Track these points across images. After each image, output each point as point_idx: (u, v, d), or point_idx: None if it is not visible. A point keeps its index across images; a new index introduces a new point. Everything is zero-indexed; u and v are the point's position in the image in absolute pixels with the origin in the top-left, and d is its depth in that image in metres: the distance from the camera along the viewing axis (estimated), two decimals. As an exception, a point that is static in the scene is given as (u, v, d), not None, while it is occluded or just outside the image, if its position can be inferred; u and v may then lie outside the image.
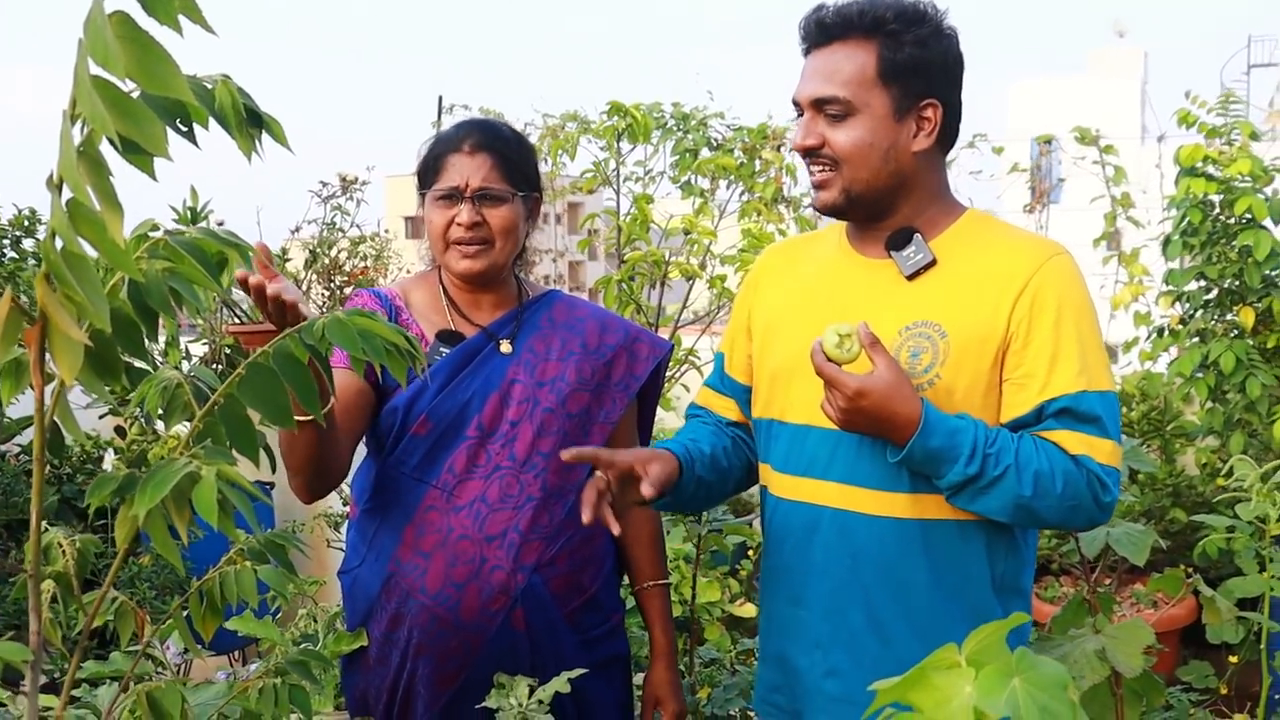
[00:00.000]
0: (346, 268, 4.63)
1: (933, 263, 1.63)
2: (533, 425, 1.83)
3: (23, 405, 3.30)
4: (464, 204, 1.80)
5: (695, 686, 2.46)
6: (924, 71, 1.61)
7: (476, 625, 1.78)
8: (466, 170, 1.80)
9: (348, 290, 4.44)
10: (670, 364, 3.87)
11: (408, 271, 5.07)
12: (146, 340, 1.13)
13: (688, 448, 1.76)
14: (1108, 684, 2.00)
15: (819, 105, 1.62)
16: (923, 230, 1.65)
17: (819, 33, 1.64)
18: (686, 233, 3.75)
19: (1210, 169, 3.40)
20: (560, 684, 1.57)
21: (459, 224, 1.80)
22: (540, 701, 1.57)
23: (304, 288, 4.48)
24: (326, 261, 4.50)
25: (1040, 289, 1.58)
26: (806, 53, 1.68)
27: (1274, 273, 3.42)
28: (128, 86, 0.91)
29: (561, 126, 4.28)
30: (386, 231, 5.09)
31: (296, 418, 1.57)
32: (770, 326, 1.79)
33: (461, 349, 1.84)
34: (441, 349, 1.84)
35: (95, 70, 0.88)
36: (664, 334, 3.73)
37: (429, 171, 1.84)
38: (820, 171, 1.65)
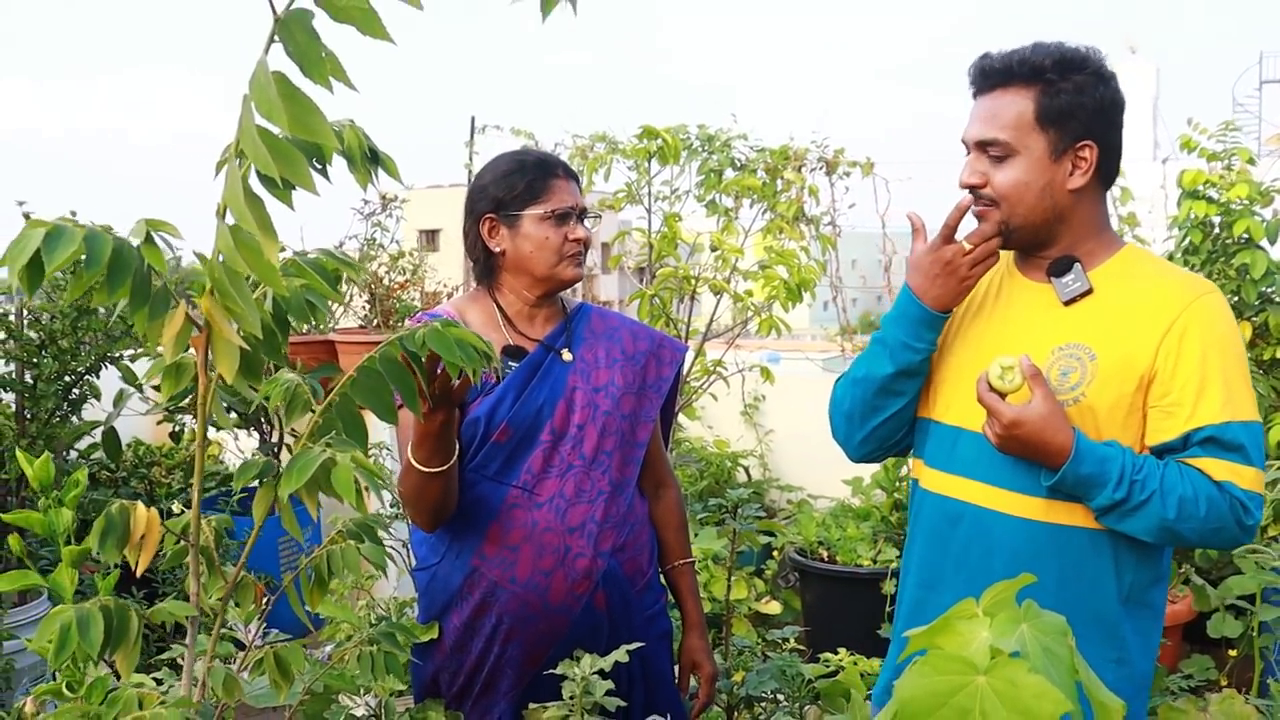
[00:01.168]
0: (386, 281, 4.81)
1: (1089, 291, 1.74)
2: (596, 427, 2.02)
3: (89, 412, 3.49)
4: (576, 222, 2.03)
5: (730, 671, 2.63)
6: (1080, 115, 1.71)
7: (564, 608, 1.96)
8: (572, 193, 2.04)
9: (388, 303, 4.62)
10: (698, 374, 4.08)
11: (441, 285, 5.26)
12: (283, 350, 1.31)
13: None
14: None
15: (983, 146, 1.75)
16: (1082, 260, 1.77)
17: (983, 79, 1.77)
18: (714, 249, 3.93)
19: (1211, 192, 3.57)
20: (621, 655, 1.74)
21: (574, 239, 2.02)
22: (601, 671, 1.75)
23: (347, 299, 4.67)
24: (368, 275, 4.69)
25: (1190, 324, 1.67)
26: (975, 95, 1.80)
27: (1271, 289, 3.59)
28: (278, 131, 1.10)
29: (591, 147, 4.46)
30: (418, 248, 5.28)
31: (429, 470, 1.80)
32: (942, 335, 1.90)
33: (528, 362, 2.02)
34: (510, 363, 2.02)
35: (261, 120, 1.07)
36: (692, 345, 3.92)
37: (529, 194, 2.01)
38: (982, 206, 1.78)
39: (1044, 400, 1.63)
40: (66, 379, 3.26)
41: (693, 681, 2.21)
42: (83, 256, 1.06)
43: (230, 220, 1.12)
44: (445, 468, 1.82)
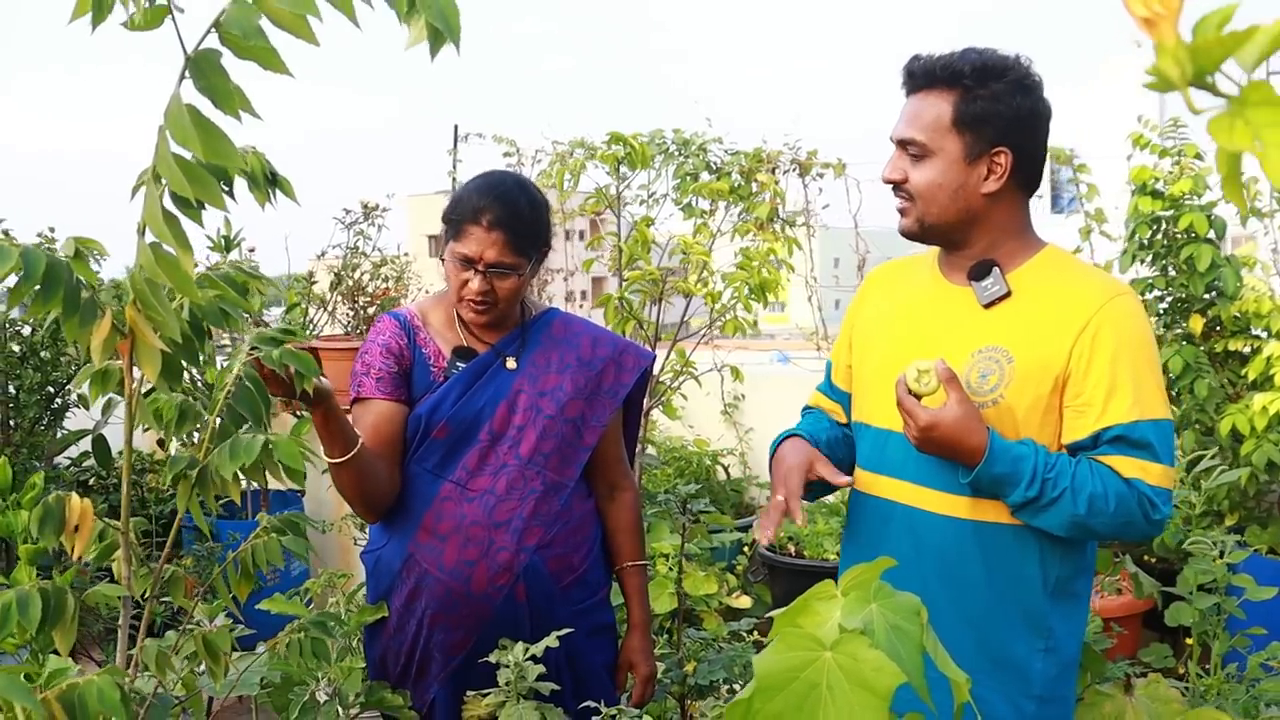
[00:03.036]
0: (370, 289, 4.90)
1: (1007, 294, 1.81)
2: (535, 430, 2.10)
3: (76, 420, 3.60)
4: (476, 275, 2.05)
5: (683, 661, 2.72)
6: (995, 122, 1.76)
7: (484, 597, 2.05)
8: (483, 244, 2.03)
9: (371, 310, 4.72)
10: (672, 374, 4.16)
11: (427, 291, 5.34)
12: (200, 354, 1.41)
13: (813, 434, 2.00)
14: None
15: (903, 145, 1.83)
16: (1002, 263, 1.83)
17: (910, 80, 1.85)
18: (685, 253, 4.01)
19: (1159, 186, 3.65)
20: (551, 641, 1.83)
21: (471, 290, 2.06)
22: (534, 658, 1.84)
23: (330, 308, 4.76)
24: (350, 283, 4.78)
25: (1102, 325, 1.72)
26: (906, 95, 1.87)
27: (1218, 282, 3.66)
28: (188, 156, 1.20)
29: (570, 153, 4.55)
30: (406, 254, 5.36)
31: (332, 460, 1.92)
32: (866, 339, 2.00)
33: (473, 365, 2.11)
34: (458, 364, 2.11)
35: (176, 148, 1.16)
36: (663, 347, 4.00)
37: (451, 228, 2.09)
38: (901, 202, 1.86)
39: (959, 403, 1.70)
40: (48, 389, 3.36)
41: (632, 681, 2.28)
42: (19, 271, 1.16)
43: (150, 238, 1.22)
44: (346, 458, 1.94)
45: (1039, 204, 4.83)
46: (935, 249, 1.95)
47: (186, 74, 1.15)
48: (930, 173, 1.80)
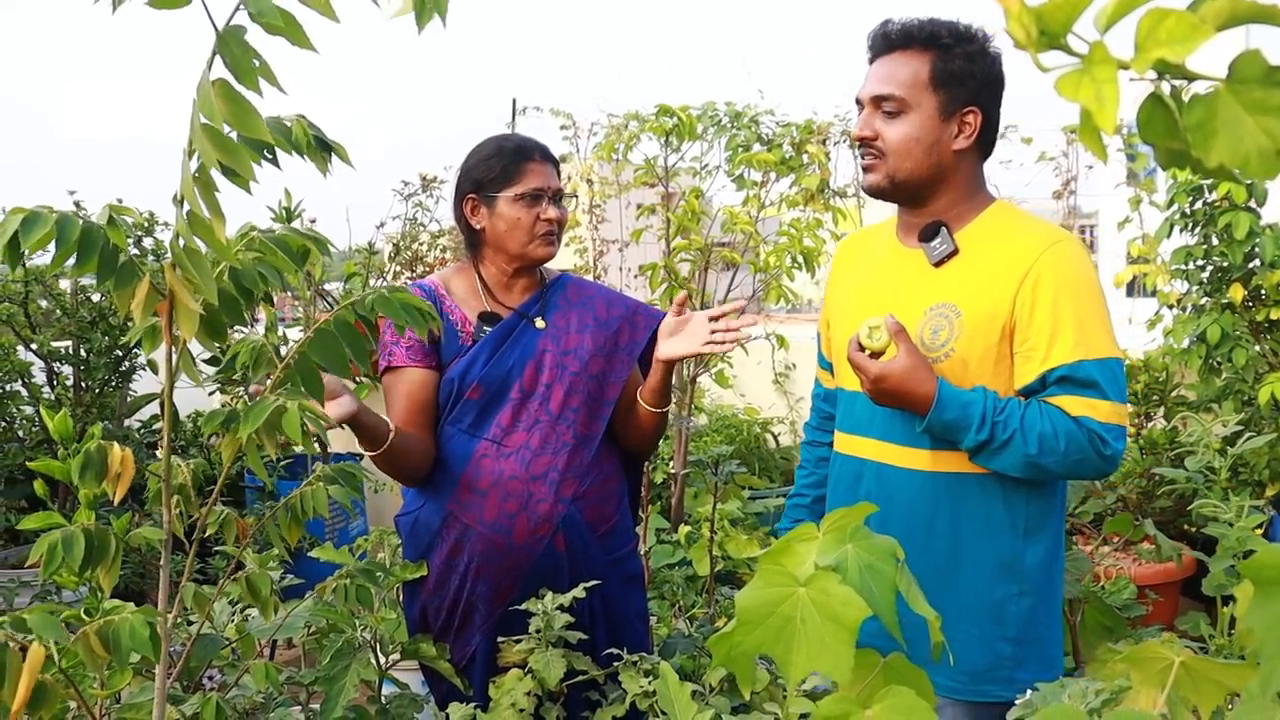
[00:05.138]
0: (428, 259, 5.03)
1: (954, 252, 1.89)
2: (563, 386, 2.20)
3: (143, 384, 3.77)
4: (549, 205, 2.18)
5: (715, 618, 2.80)
6: (969, 82, 1.85)
7: (526, 547, 2.15)
8: (545, 175, 2.19)
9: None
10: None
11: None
12: (245, 314, 1.50)
13: (814, 511, 2.21)
14: (1063, 613, 2.29)
15: (877, 102, 1.89)
16: (952, 223, 1.91)
17: (884, 43, 1.91)
18: (735, 223, 4.07)
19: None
20: (578, 591, 1.93)
21: (547, 219, 2.18)
22: (561, 607, 1.94)
23: (389, 277, 4.90)
24: (409, 254, 4.91)
25: (1042, 272, 1.79)
26: (872, 60, 1.94)
27: (1257, 250, 3.63)
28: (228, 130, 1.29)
29: (625, 125, 4.62)
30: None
31: (369, 453, 2.07)
32: (838, 309, 2.10)
33: (501, 327, 2.21)
34: (484, 328, 2.21)
35: (204, 120, 1.26)
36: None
37: (500, 179, 2.19)
38: (870, 159, 1.92)
39: (908, 355, 1.79)
40: (116, 352, 3.52)
41: None
42: (55, 237, 1.27)
43: (185, 206, 1.32)
44: (379, 451, 2.07)
45: (1101, 172, 4.83)
46: (893, 220, 2.03)
47: (217, 52, 1.24)
48: (906, 128, 1.87)
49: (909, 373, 1.78)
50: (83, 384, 3.51)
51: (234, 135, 1.30)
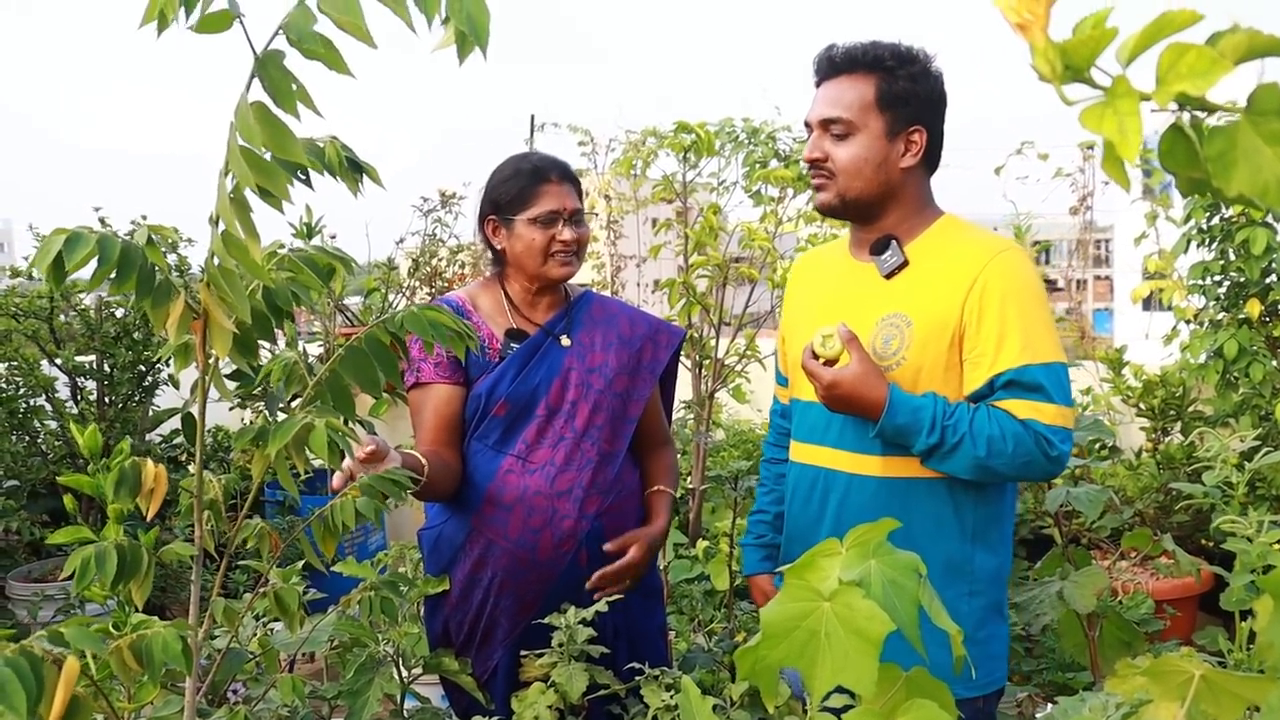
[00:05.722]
0: (447, 274, 5.07)
1: (904, 264, 1.96)
2: (588, 404, 2.22)
3: (165, 399, 3.80)
4: (565, 226, 2.20)
5: (734, 632, 2.81)
6: (913, 102, 1.94)
7: (550, 563, 2.17)
8: (561, 196, 2.20)
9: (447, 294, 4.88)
10: (736, 357, 4.24)
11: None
12: (276, 331, 1.53)
13: (773, 537, 2.27)
14: (1081, 628, 2.31)
15: (826, 125, 1.96)
16: (902, 236, 1.98)
17: (829, 67, 1.98)
18: (752, 239, 4.08)
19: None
20: (601, 605, 1.95)
21: (562, 240, 2.20)
22: (585, 621, 1.96)
23: (408, 292, 4.94)
24: (428, 269, 4.95)
25: (989, 280, 1.87)
26: (818, 84, 2.01)
27: (1275, 265, 3.64)
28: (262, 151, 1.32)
29: (643, 141, 4.65)
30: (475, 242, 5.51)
31: (420, 498, 2.09)
32: (793, 324, 2.17)
33: (528, 345, 2.23)
34: (511, 345, 2.23)
35: (243, 142, 1.29)
36: (728, 334, 4.09)
37: (516, 201, 2.21)
38: (821, 179, 1.99)
39: (859, 361, 1.85)
40: (140, 368, 3.57)
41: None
42: (96, 257, 1.30)
43: (221, 226, 1.35)
44: (413, 491, 2.02)
45: (1117, 187, 4.83)
46: (846, 238, 2.10)
47: (255, 75, 1.27)
48: (855, 149, 1.94)
49: (861, 379, 1.85)
50: (106, 399, 3.55)
51: (267, 155, 1.33)
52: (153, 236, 1.33)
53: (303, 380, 1.58)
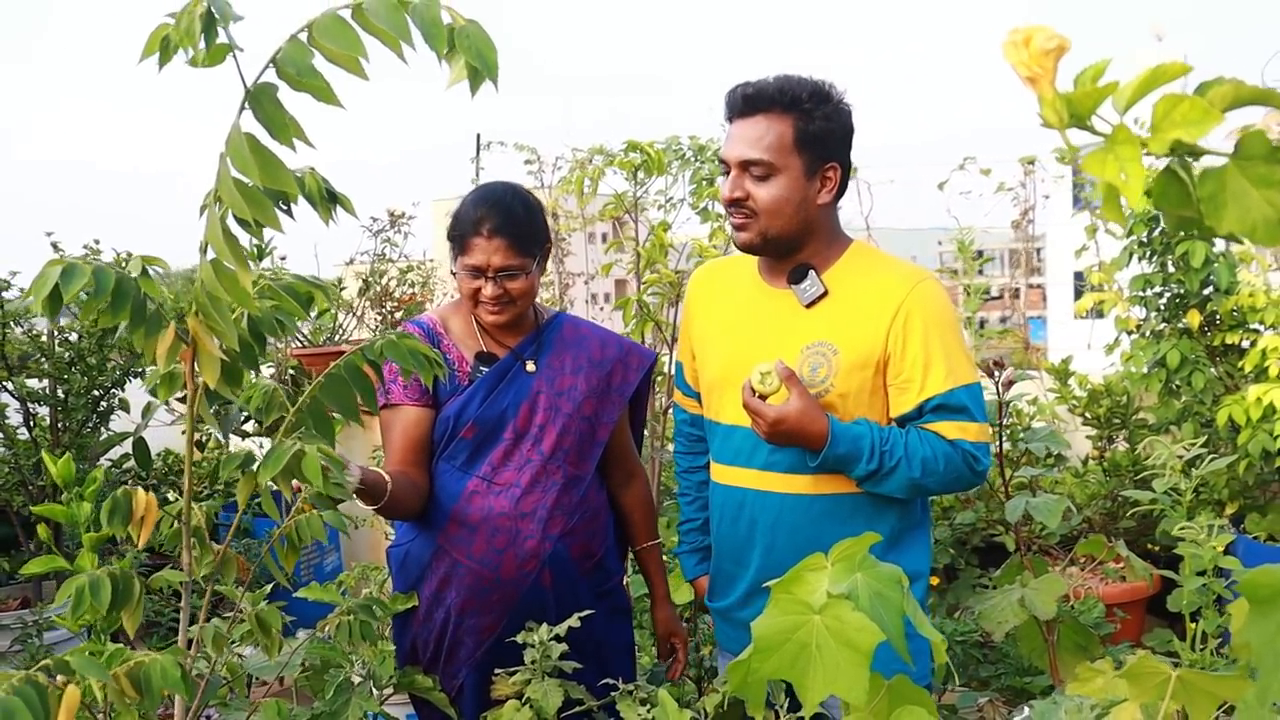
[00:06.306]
0: (396, 294, 5.07)
1: (825, 293, 2.02)
2: (556, 427, 2.25)
3: (119, 423, 3.76)
4: (488, 282, 2.18)
5: (699, 645, 2.85)
6: (829, 140, 1.99)
7: (513, 583, 2.19)
8: (487, 252, 2.16)
9: (398, 315, 4.88)
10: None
11: (453, 295, 5.49)
12: (259, 359, 1.55)
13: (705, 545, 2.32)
14: (1040, 633, 2.38)
15: (745, 165, 1.98)
16: (817, 265, 2.03)
17: (745, 105, 2.00)
18: (700, 256, 4.14)
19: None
20: (573, 621, 1.98)
21: (486, 295, 2.19)
22: (558, 638, 1.98)
23: (358, 313, 4.93)
24: (378, 289, 4.94)
25: (911, 310, 1.95)
26: (732, 119, 2.03)
27: (1212, 277, 3.77)
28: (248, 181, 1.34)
29: (589, 159, 4.69)
30: (432, 260, 5.52)
31: (369, 507, 2.07)
32: (704, 344, 2.21)
33: (496, 369, 2.25)
34: (481, 368, 2.25)
35: (235, 174, 1.31)
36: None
37: (456, 244, 2.23)
38: (741, 218, 2.01)
39: (799, 397, 1.91)
40: (94, 393, 3.53)
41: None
42: (92, 288, 1.31)
43: (211, 255, 1.36)
44: (376, 507, 2.08)
45: (1062, 201, 4.95)
46: (748, 257, 2.13)
47: (246, 106, 1.29)
48: (776, 189, 1.98)
49: (803, 414, 1.91)
50: (60, 424, 3.51)
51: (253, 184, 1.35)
52: (146, 268, 1.34)
53: (283, 406, 1.59)
